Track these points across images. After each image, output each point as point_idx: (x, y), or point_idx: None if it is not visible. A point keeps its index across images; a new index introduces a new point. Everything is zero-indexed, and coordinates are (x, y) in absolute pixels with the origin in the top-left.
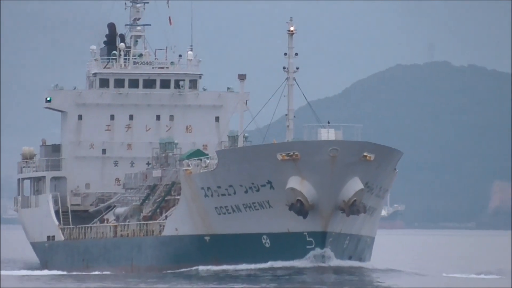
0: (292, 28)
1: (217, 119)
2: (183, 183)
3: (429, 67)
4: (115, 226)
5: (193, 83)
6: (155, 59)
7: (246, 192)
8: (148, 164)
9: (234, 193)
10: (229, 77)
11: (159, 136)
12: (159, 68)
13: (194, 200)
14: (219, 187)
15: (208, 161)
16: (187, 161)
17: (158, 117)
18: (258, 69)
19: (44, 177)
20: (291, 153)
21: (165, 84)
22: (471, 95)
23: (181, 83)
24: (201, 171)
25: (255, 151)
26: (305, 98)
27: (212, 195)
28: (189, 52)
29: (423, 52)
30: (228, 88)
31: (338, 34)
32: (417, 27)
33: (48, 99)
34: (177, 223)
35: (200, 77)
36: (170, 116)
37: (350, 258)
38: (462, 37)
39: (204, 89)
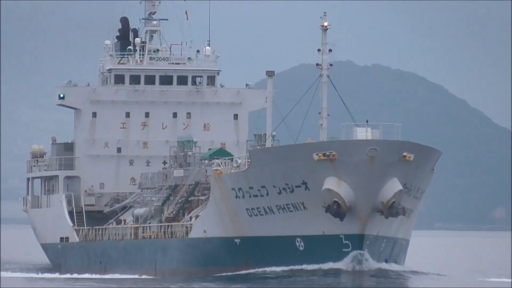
0: (325, 24)
1: (235, 116)
2: (212, 183)
3: (332, 66)
4: (136, 228)
5: (211, 80)
6: (170, 54)
7: (279, 193)
8: (164, 163)
9: (267, 194)
10: (247, 74)
11: (176, 134)
12: (175, 64)
13: (224, 201)
14: (251, 187)
15: (239, 161)
16: (217, 161)
17: (175, 115)
18: (277, 66)
19: (56, 176)
20: (328, 153)
21: (182, 80)
22: (376, 94)
23: (197, 79)
24: (232, 171)
25: (290, 150)
26: (339, 96)
27: (243, 196)
28: (207, 48)
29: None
30: (247, 85)
31: (244, 33)
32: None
33: (61, 96)
34: (206, 225)
35: (218, 73)
36: (187, 113)
37: (386, 261)
38: (365, 37)
39: (222, 86)
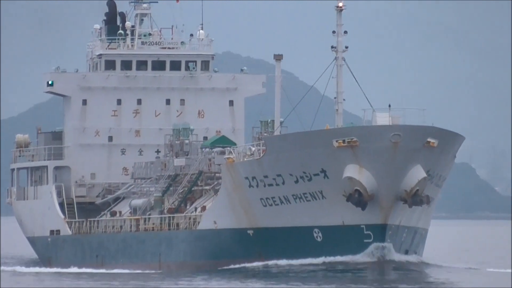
0: (340, 4)
1: (231, 103)
2: (224, 172)
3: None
4: (137, 219)
5: (205, 64)
6: (161, 38)
7: (296, 181)
8: (158, 152)
9: (283, 183)
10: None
11: (170, 121)
12: (168, 48)
13: (236, 190)
14: (265, 176)
15: (253, 148)
16: (229, 148)
17: (168, 101)
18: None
19: (45, 166)
20: (349, 140)
21: (175, 65)
22: None
23: (191, 64)
24: (245, 159)
25: (308, 137)
26: (355, 80)
27: (257, 185)
28: (200, 31)
29: None
30: (242, 70)
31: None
32: None
33: (50, 82)
34: (216, 216)
35: (212, 58)
36: (181, 100)
37: (406, 252)
38: (219, 27)
39: (216, 71)
